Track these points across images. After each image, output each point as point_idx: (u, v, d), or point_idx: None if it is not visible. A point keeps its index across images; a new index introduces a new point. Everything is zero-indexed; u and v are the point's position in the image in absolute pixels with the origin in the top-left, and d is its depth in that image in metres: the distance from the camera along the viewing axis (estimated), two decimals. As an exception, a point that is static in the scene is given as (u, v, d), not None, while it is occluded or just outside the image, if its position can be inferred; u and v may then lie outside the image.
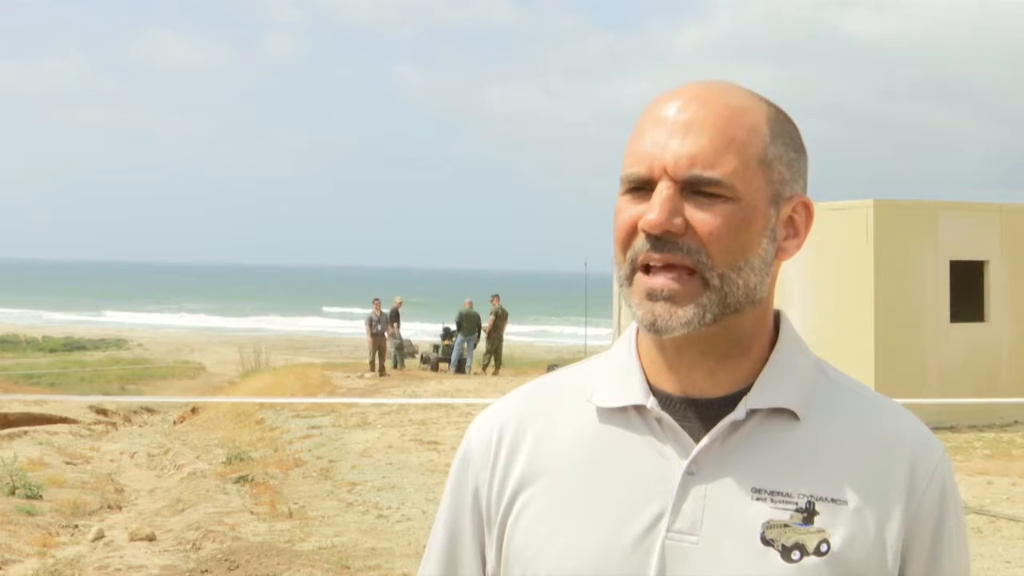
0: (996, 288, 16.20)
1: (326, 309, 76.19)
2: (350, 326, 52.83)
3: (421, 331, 36.11)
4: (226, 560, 8.16)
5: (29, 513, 10.19)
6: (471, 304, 25.78)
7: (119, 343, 41.58)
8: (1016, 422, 15.37)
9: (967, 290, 15.91)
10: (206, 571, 8.05)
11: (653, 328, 1.22)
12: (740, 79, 1.34)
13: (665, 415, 1.26)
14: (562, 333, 51.88)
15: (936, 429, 14.09)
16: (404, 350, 26.14)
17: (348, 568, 8.08)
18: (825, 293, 15.12)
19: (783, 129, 1.28)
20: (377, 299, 25.49)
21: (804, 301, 15.11)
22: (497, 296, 26.36)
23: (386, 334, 24.67)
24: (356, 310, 68.81)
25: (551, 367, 22.89)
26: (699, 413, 1.26)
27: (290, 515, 10.19)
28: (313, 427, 16.03)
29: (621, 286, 1.26)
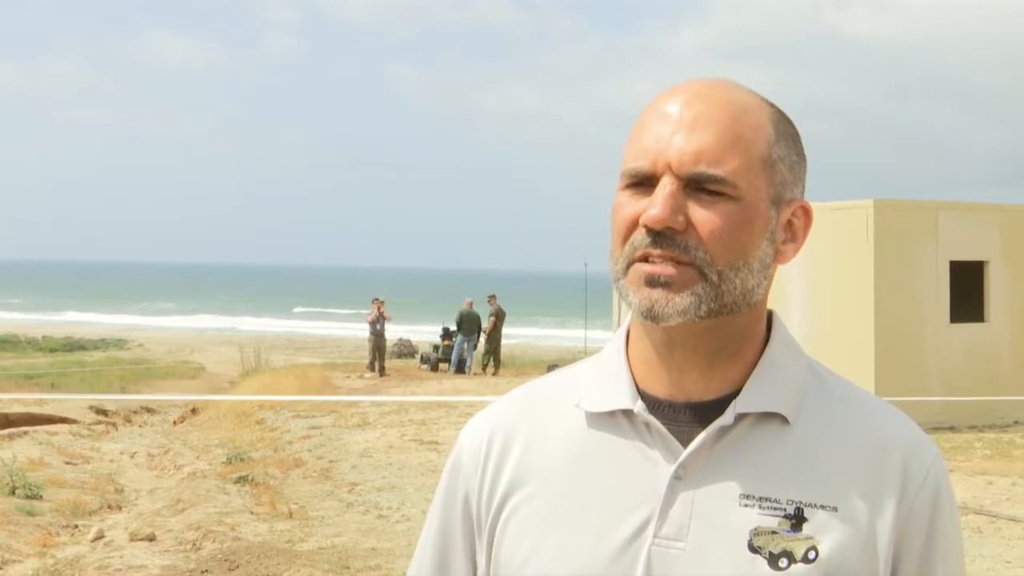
0: (996, 288, 16.20)
1: (324, 310, 76.14)
2: (343, 327, 52.69)
3: (411, 331, 36.07)
4: (226, 560, 8.16)
5: (29, 513, 10.19)
6: (471, 304, 25.77)
7: (119, 343, 41.53)
8: (1016, 422, 15.36)
9: (967, 290, 15.91)
10: (206, 571, 8.04)
11: (650, 315, 1.20)
12: (740, 80, 1.32)
13: (653, 419, 1.25)
14: (561, 336, 51.81)
15: (936, 429, 14.11)
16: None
17: (348, 568, 8.08)
18: (825, 293, 15.12)
19: (786, 131, 1.27)
20: (376, 299, 25.51)
21: (804, 301, 15.11)
22: (494, 296, 26.34)
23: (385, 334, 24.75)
24: (336, 310, 68.95)
25: (551, 367, 22.88)
26: (689, 417, 1.25)
27: (290, 515, 10.19)
28: (313, 427, 16.03)
29: (616, 279, 1.24)
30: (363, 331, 27.84)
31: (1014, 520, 9.51)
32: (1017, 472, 11.83)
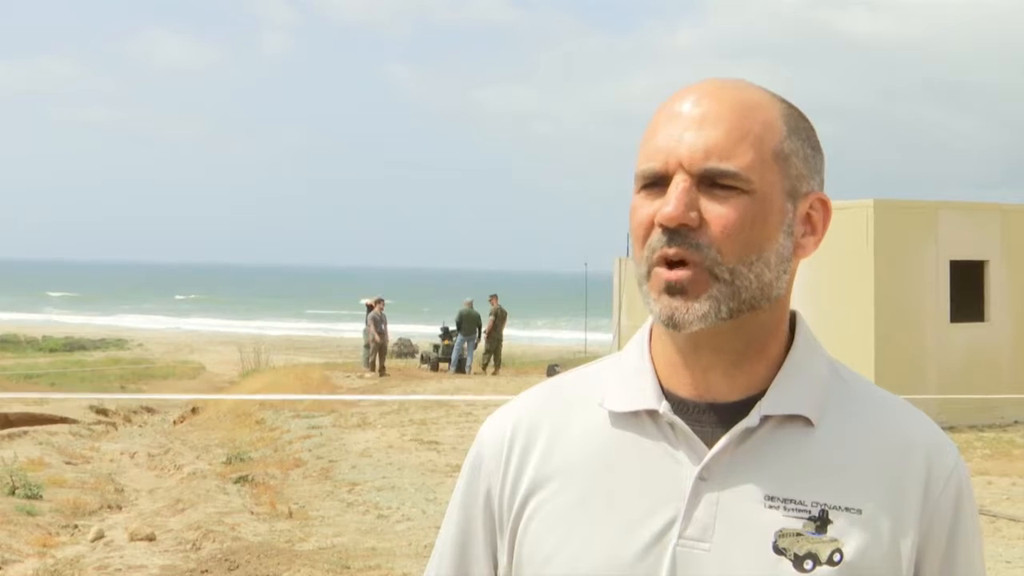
0: (996, 288, 16.19)
1: (323, 311, 76.05)
2: (341, 328, 52.58)
3: (411, 331, 36.07)
4: (226, 560, 8.16)
5: (29, 513, 10.18)
6: (471, 304, 25.77)
7: (119, 343, 41.52)
8: (1016, 422, 15.37)
9: (967, 290, 15.90)
10: (206, 571, 8.04)
11: (671, 323, 1.21)
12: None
13: (678, 420, 1.25)
14: (561, 336, 51.76)
15: (936, 429, 14.09)
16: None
17: (348, 568, 8.07)
18: (825, 293, 15.10)
19: (799, 126, 1.27)
20: (381, 299, 25.54)
21: (803, 301, 15.06)
22: (495, 296, 26.35)
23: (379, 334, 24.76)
24: (335, 311, 68.90)
25: (551, 367, 22.88)
26: (713, 418, 1.25)
27: (290, 515, 10.19)
28: (313, 427, 16.02)
29: (640, 284, 1.25)
30: (359, 331, 27.79)
31: (1014, 520, 9.51)
32: (1017, 472, 11.83)
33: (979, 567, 1.28)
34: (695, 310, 1.20)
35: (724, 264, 1.20)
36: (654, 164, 1.22)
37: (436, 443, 14.01)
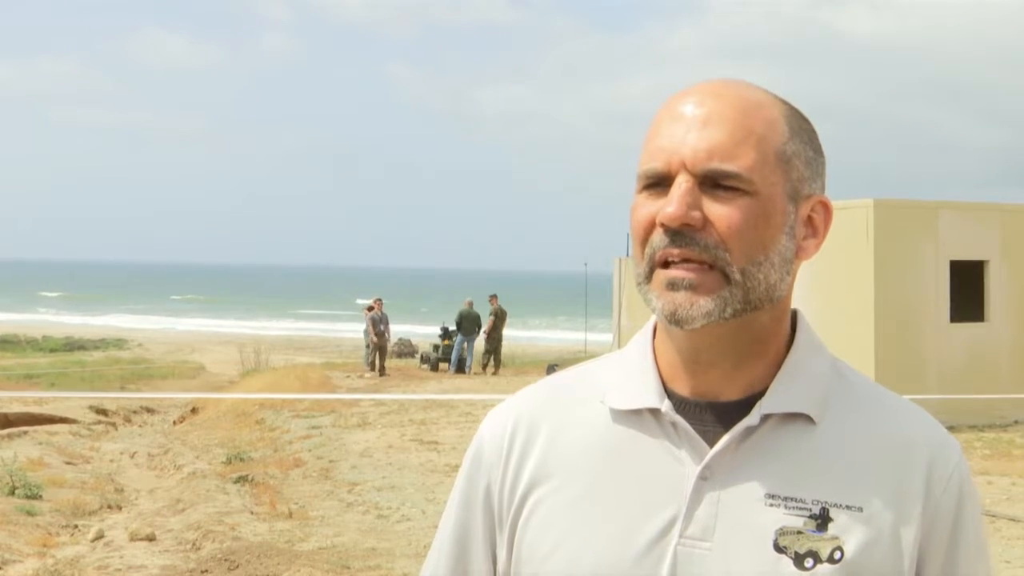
0: (996, 288, 16.19)
1: (322, 311, 76.00)
2: (340, 328, 52.51)
3: (411, 332, 36.07)
4: (226, 560, 8.16)
5: (29, 513, 10.18)
6: (471, 304, 25.77)
7: (119, 343, 41.45)
8: (1016, 422, 15.36)
9: (967, 290, 15.90)
10: (206, 571, 8.04)
11: (674, 319, 1.20)
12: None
13: (680, 419, 1.24)
14: (561, 336, 51.70)
15: (936, 429, 14.07)
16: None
17: (348, 568, 8.07)
18: (825, 293, 15.10)
19: (801, 127, 1.26)
20: (379, 299, 25.56)
21: (804, 301, 15.03)
22: (495, 296, 26.34)
23: (386, 335, 24.77)
24: (335, 311, 68.86)
25: (551, 367, 22.87)
26: (715, 417, 1.25)
27: (290, 515, 10.18)
28: (313, 427, 16.02)
29: (639, 284, 1.24)
30: (359, 331, 27.80)
31: (1014, 520, 9.51)
32: (1017, 472, 11.83)
33: (981, 567, 1.27)
34: (700, 306, 1.19)
35: (734, 264, 1.19)
36: (656, 164, 1.21)
37: (436, 443, 14.01)
